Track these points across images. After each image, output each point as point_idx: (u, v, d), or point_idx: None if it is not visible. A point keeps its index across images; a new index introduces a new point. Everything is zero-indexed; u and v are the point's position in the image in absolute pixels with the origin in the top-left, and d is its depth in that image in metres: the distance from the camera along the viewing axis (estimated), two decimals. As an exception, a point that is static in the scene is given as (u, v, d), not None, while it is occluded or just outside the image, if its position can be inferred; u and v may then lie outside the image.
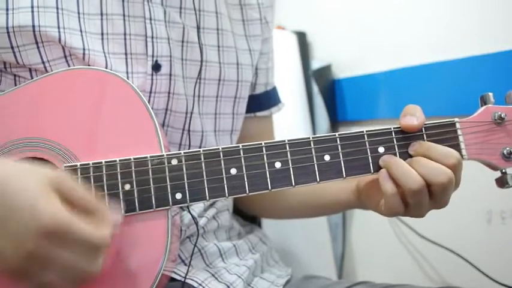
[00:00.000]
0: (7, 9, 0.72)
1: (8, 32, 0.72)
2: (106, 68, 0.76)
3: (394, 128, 0.74)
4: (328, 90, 1.58)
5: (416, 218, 0.76)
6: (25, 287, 0.58)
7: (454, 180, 0.71)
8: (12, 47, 0.73)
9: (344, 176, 0.72)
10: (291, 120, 1.43)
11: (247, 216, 1.10)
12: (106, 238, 0.59)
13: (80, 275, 0.58)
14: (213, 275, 0.82)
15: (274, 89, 1.05)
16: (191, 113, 0.84)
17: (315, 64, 1.59)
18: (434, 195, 0.71)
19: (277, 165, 0.71)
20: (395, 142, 0.74)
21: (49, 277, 0.57)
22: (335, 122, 1.59)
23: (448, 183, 0.70)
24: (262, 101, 1.01)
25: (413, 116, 0.73)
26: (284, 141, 0.72)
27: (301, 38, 1.59)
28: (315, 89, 1.55)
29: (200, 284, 0.79)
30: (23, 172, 0.58)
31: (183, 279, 0.78)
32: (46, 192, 0.56)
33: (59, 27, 0.74)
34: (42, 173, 0.58)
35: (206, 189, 0.69)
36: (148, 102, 0.78)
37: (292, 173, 0.71)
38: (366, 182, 0.82)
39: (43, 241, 0.55)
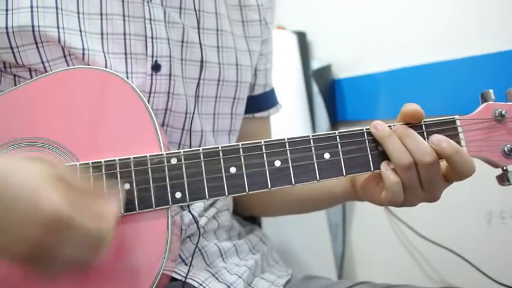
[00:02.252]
0: (7, 10, 0.72)
1: (7, 33, 0.72)
2: (106, 67, 0.76)
3: (393, 126, 0.74)
4: (328, 90, 1.58)
5: (408, 206, 0.76)
6: (42, 270, 0.60)
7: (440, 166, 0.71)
8: (11, 47, 0.73)
9: (344, 174, 0.72)
10: (291, 120, 1.43)
11: (247, 216, 1.10)
12: (110, 230, 0.60)
13: (86, 261, 0.60)
14: (213, 275, 0.82)
15: (272, 91, 1.05)
16: (192, 114, 0.84)
17: (315, 64, 1.59)
18: (422, 180, 0.72)
19: (277, 163, 0.71)
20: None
21: (57, 263, 0.58)
22: (335, 122, 1.59)
23: (432, 165, 0.70)
24: (261, 102, 1.01)
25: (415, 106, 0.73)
26: (284, 139, 0.72)
27: (301, 38, 1.59)
28: (315, 89, 1.55)
29: (201, 284, 0.79)
30: (24, 164, 0.58)
31: (183, 279, 0.78)
32: (48, 184, 0.56)
33: (58, 28, 0.74)
34: (40, 166, 0.58)
35: (206, 188, 0.69)
36: (148, 102, 0.78)
37: (291, 171, 0.71)
38: None
39: (47, 234, 0.55)
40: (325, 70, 1.60)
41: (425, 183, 0.72)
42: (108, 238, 0.60)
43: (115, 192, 0.67)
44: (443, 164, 0.73)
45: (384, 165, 0.73)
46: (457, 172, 0.71)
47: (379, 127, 0.73)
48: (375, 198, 0.78)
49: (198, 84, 0.86)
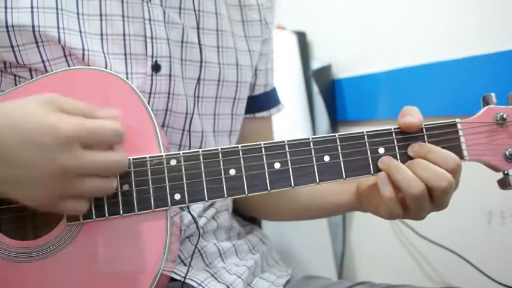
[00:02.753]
0: (6, 8, 0.72)
1: (7, 31, 0.72)
2: (106, 68, 0.76)
3: (394, 129, 0.74)
4: (328, 90, 1.58)
5: (416, 220, 0.76)
6: (68, 205, 0.62)
7: (454, 183, 0.71)
8: (12, 46, 0.73)
9: (344, 177, 0.72)
10: (291, 121, 1.43)
11: (247, 217, 1.10)
12: (120, 128, 0.63)
13: (113, 167, 0.63)
14: (212, 275, 0.82)
15: (273, 90, 1.05)
16: (192, 114, 0.84)
17: (315, 64, 1.59)
18: (435, 199, 0.71)
19: (277, 165, 0.71)
20: (395, 143, 0.73)
21: (85, 183, 0.61)
22: (335, 122, 1.59)
23: (449, 187, 0.69)
24: (262, 102, 1.01)
25: (412, 116, 0.73)
26: (283, 141, 0.72)
27: (301, 38, 1.59)
28: (315, 89, 1.55)
29: (200, 284, 0.79)
30: (23, 102, 0.61)
31: (182, 280, 0.78)
32: (51, 111, 0.59)
33: (58, 28, 0.74)
34: (37, 97, 0.61)
35: (205, 189, 0.69)
36: (148, 102, 0.78)
37: (291, 173, 0.71)
38: (366, 185, 0.82)
39: (68, 155, 0.58)
40: (325, 70, 1.60)
41: (437, 201, 0.72)
42: (120, 134, 0.63)
43: (114, 194, 0.67)
44: None
45: (380, 178, 0.72)
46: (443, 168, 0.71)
47: (385, 160, 0.72)
48: (378, 211, 0.78)
49: (197, 84, 0.86)
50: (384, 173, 0.72)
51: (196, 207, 0.85)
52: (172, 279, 0.78)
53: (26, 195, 0.61)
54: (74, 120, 0.60)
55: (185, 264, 0.82)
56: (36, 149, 0.58)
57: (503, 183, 0.75)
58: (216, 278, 0.82)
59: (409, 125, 0.73)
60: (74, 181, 0.60)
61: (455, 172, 0.70)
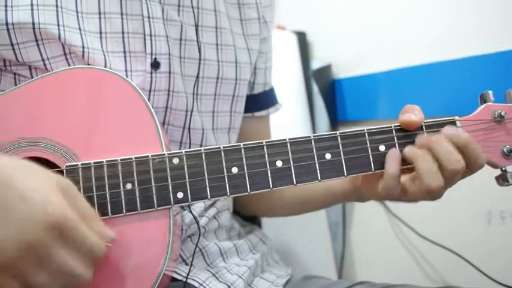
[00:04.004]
0: (6, 6, 0.72)
1: (7, 29, 0.72)
2: (105, 66, 0.76)
3: (395, 126, 0.74)
4: (328, 90, 1.58)
5: (410, 202, 0.77)
6: (10, 285, 0.57)
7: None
8: (12, 44, 0.73)
9: (345, 174, 0.72)
10: (291, 120, 1.43)
11: (247, 217, 1.10)
12: (103, 247, 0.60)
13: (71, 280, 0.58)
14: (214, 275, 0.82)
15: (272, 90, 1.05)
16: (191, 111, 0.84)
17: (315, 64, 1.59)
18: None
19: (279, 163, 0.71)
20: (396, 140, 0.74)
21: (40, 277, 0.56)
22: (335, 122, 1.59)
23: (461, 170, 0.71)
24: (260, 101, 1.01)
25: (413, 114, 0.74)
26: (285, 139, 0.72)
27: (301, 38, 1.59)
28: (315, 89, 1.55)
29: (201, 284, 0.79)
30: (33, 168, 0.59)
31: (184, 279, 0.78)
32: (57, 191, 0.57)
33: (58, 25, 0.74)
34: (49, 173, 0.59)
35: (207, 188, 0.69)
36: (148, 100, 0.78)
37: (293, 171, 0.71)
38: None
39: (48, 235, 0.55)
40: (325, 70, 1.60)
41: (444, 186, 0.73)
42: (101, 255, 0.60)
43: (116, 193, 0.67)
44: None
45: (390, 154, 0.73)
46: (471, 164, 0.72)
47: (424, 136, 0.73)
48: (375, 192, 0.78)
49: (196, 81, 0.86)
50: (395, 149, 0.73)
51: (198, 207, 0.85)
52: (174, 279, 0.78)
53: None
54: (72, 211, 0.57)
55: (187, 264, 0.82)
56: (23, 210, 0.55)
57: (500, 180, 0.75)
58: (217, 278, 0.82)
59: (409, 123, 0.74)
60: (30, 267, 0.56)
61: (466, 146, 0.72)
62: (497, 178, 0.76)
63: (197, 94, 0.87)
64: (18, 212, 0.55)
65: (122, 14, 0.79)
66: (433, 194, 0.72)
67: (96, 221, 0.61)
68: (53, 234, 0.55)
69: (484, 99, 0.77)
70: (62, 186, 0.58)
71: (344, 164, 0.72)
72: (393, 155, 0.73)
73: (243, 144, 0.71)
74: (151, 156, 0.69)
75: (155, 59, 0.80)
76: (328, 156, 0.72)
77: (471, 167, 0.73)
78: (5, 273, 0.56)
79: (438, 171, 0.71)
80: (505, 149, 0.75)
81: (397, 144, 0.74)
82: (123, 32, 0.79)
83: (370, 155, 0.73)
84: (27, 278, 0.56)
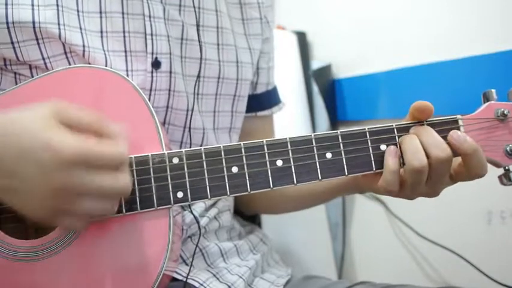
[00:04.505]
0: (6, 4, 0.72)
1: (8, 28, 0.72)
2: (106, 65, 0.76)
3: (396, 125, 0.74)
4: (328, 90, 1.58)
5: (406, 199, 0.76)
6: (67, 222, 0.61)
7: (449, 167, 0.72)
8: (12, 43, 0.73)
9: (346, 173, 0.72)
10: (291, 120, 1.43)
11: (248, 217, 1.10)
12: (125, 152, 0.61)
13: (113, 193, 0.61)
14: (214, 275, 0.82)
15: (274, 89, 1.05)
16: (192, 111, 0.84)
17: (315, 64, 1.59)
18: (432, 175, 0.72)
19: (279, 163, 0.71)
20: (397, 140, 0.74)
21: (85, 204, 0.59)
22: (335, 122, 1.59)
23: (447, 160, 0.70)
24: (263, 101, 1.01)
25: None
26: (285, 139, 0.72)
27: (301, 38, 1.59)
28: (315, 89, 1.55)
29: (202, 284, 0.79)
30: (26, 114, 0.59)
31: (184, 279, 0.78)
32: (56, 127, 0.58)
33: (59, 24, 0.74)
34: (43, 109, 0.59)
35: (207, 187, 0.69)
36: (149, 100, 0.78)
37: (293, 171, 0.71)
38: None
39: (68, 174, 0.57)
40: (325, 70, 1.60)
41: (433, 179, 0.72)
42: (127, 160, 0.62)
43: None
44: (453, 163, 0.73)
45: (389, 150, 0.73)
46: (470, 171, 0.72)
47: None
48: (374, 185, 0.77)
49: (197, 81, 0.86)
50: (393, 146, 0.73)
51: (198, 207, 0.85)
52: (174, 279, 0.78)
53: (23, 206, 0.60)
54: (77, 141, 0.58)
55: (187, 264, 0.81)
56: (34, 165, 0.57)
57: (504, 179, 0.75)
58: (217, 278, 0.82)
59: (425, 106, 0.73)
60: (73, 200, 0.59)
61: (468, 154, 0.71)
62: (500, 177, 0.75)
63: (198, 94, 0.87)
64: (28, 165, 0.57)
65: (123, 13, 0.79)
66: (418, 175, 0.71)
67: (102, 125, 0.62)
68: (73, 171, 0.57)
69: (487, 98, 0.77)
70: (58, 115, 0.59)
71: (345, 163, 0.72)
72: (391, 151, 0.73)
73: (243, 144, 0.71)
74: (151, 155, 0.69)
75: (156, 58, 0.80)
76: (328, 155, 0.72)
77: (470, 174, 0.72)
78: (54, 217, 0.60)
79: (422, 152, 0.70)
80: (508, 148, 0.74)
81: (398, 144, 0.74)
82: (124, 31, 0.79)
83: (371, 154, 0.73)
84: (76, 211, 0.60)
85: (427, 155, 0.71)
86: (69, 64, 0.75)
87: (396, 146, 0.73)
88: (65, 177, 0.57)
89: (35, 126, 0.58)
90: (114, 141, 0.61)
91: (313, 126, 1.52)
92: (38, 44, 0.74)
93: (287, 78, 1.47)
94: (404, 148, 0.72)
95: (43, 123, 0.58)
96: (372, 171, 0.73)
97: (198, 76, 0.86)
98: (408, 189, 0.74)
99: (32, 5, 0.73)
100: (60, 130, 0.58)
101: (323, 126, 1.54)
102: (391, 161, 0.72)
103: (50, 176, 0.57)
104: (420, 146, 0.71)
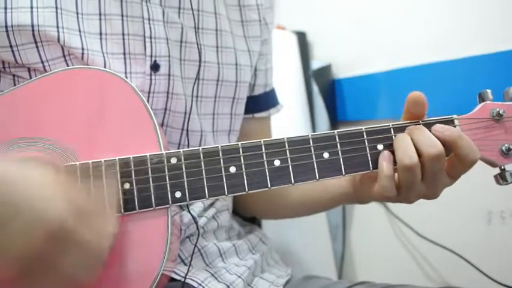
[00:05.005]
0: (5, 8, 0.72)
1: (7, 31, 0.72)
2: (105, 67, 0.76)
3: (393, 125, 0.74)
4: (328, 90, 1.58)
5: (405, 203, 0.77)
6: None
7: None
8: (11, 46, 0.73)
9: (343, 173, 0.72)
10: (291, 120, 1.43)
11: (247, 217, 1.10)
12: (106, 247, 0.60)
13: (83, 277, 0.59)
14: (212, 275, 0.82)
15: (272, 91, 1.05)
16: (189, 113, 0.84)
17: (315, 64, 1.59)
18: (426, 174, 0.72)
19: (277, 163, 0.71)
20: (394, 139, 0.74)
21: (60, 269, 0.57)
22: (335, 122, 1.59)
23: (439, 156, 0.70)
24: (261, 102, 1.01)
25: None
26: (283, 139, 0.72)
27: (301, 38, 1.59)
28: (315, 89, 1.55)
29: (200, 284, 0.79)
30: (26, 169, 0.58)
31: (183, 279, 0.78)
32: (52, 192, 0.56)
33: (57, 27, 0.74)
34: (44, 170, 0.58)
35: (205, 187, 0.69)
36: (147, 102, 0.78)
37: (291, 170, 0.71)
38: None
39: (50, 241, 0.55)
40: (325, 70, 1.59)
41: (428, 178, 0.72)
42: (105, 255, 0.60)
43: (114, 194, 0.67)
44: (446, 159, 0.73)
45: (382, 155, 0.73)
46: (462, 159, 0.71)
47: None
48: (371, 193, 0.78)
49: (195, 83, 0.86)
50: (387, 151, 0.73)
51: (197, 207, 0.85)
52: (172, 279, 0.78)
53: None
54: (71, 213, 0.56)
55: (185, 264, 0.82)
56: (22, 226, 0.54)
57: (499, 179, 0.75)
58: (216, 278, 0.82)
59: (417, 97, 0.74)
60: (40, 273, 0.57)
61: (455, 141, 0.71)
62: (496, 177, 0.76)
63: (197, 96, 0.87)
64: (17, 224, 0.54)
65: (122, 15, 0.79)
66: (410, 173, 0.71)
67: (95, 216, 0.60)
68: (55, 242, 0.55)
69: (482, 98, 0.77)
70: (57, 181, 0.58)
71: (342, 163, 0.72)
72: (385, 156, 0.73)
73: (241, 144, 0.71)
74: (150, 155, 0.69)
75: (155, 61, 0.80)
76: (326, 155, 0.72)
77: (463, 161, 0.72)
78: (22, 278, 0.56)
79: (413, 149, 0.71)
80: (503, 148, 0.74)
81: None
82: (123, 34, 0.79)
83: (369, 154, 0.73)
84: (42, 280, 0.57)
85: (419, 153, 0.71)
86: (68, 67, 0.76)
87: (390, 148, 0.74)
88: (42, 246, 0.54)
89: (38, 193, 0.56)
90: (103, 230, 0.60)
91: (313, 127, 1.52)
92: (37, 47, 0.74)
93: (287, 78, 1.47)
94: (395, 147, 0.72)
95: (45, 188, 0.57)
96: (369, 171, 0.73)
97: (197, 78, 0.86)
98: (404, 191, 0.74)
99: (31, 7, 0.73)
100: (56, 193, 0.56)
101: (323, 126, 1.54)
102: (385, 166, 0.72)
103: (32, 238, 0.54)
104: (411, 143, 0.71)
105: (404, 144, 0.71)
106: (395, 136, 0.73)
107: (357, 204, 0.92)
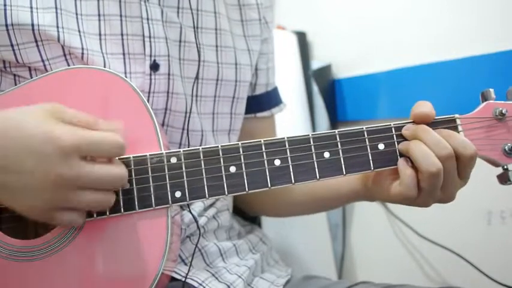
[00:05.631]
0: (5, 5, 0.72)
1: (7, 30, 0.72)
2: (104, 68, 0.76)
3: (394, 125, 0.74)
4: (328, 90, 1.58)
5: (422, 206, 0.76)
6: (65, 217, 0.62)
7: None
8: (12, 45, 0.73)
9: (344, 173, 0.72)
10: (291, 120, 1.43)
11: (247, 217, 1.10)
12: (123, 141, 0.63)
13: (110, 183, 0.63)
14: (213, 275, 0.82)
15: (275, 90, 1.04)
16: (189, 113, 0.84)
17: (315, 64, 1.59)
18: (459, 171, 0.72)
19: (277, 162, 0.71)
20: (395, 139, 0.74)
21: (83, 196, 0.61)
22: (335, 122, 1.59)
23: (451, 156, 0.71)
24: (263, 102, 1.01)
25: (426, 108, 0.74)
26: (283, 138, 0.72)
27: (301, 38, 1.59)
28: (315, 89, 1.55)
29: (201, 284, 0.79)
30: (25, 110, 0.61)
31: (183, 279, 0.78)
32: (53, 120, 0.60)
33: (57, 27, 0.74)
34: (41, 107, 0.61)
35: (205, 187, 0.69)
36: (148, 102, 0.78)
37: (291, 170, 0.71)
38: None
39: (67, 165, 0.58)
40: (325, 70, 1.59)
41: (444, 181, 0.72)
42: (122, 147, 0.63)
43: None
44: None
45: (401, 163, 0.73)
46: (463, 157, 0.71)
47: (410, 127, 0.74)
48: (389, 193, 0.77)
49: (195, 83, 0.86)
50: (401, 159, 0.73)
51: (197, 207, 0.85)
52: (173, 279, 0.78)
53: (21, 203, 0.61)
54: (75, 131, 0.60)
55: (186, 264, 0.82)
56: (35, 157, 0.58)
57: (502, 178, 0.75)
58: (216, 278, 0.82)
59: (422, 115, 0.73)
60: (71, 193, 0.61)
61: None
62: (498, 177, 0.75)
63: (197, 96, 0.87)
64: (31, 157, 0.58)
65: (121, 16, 0.79)
66: (437, 179, 0.71)
67: (97, 121, 0.64)
68: (76, 159, 0.59)
69: (485, 97, 0.77)
70: (55, 114, 0.61)
71: (343, 162, 0.72)
72: (403, 163, 0.73)
73: (241, 144, 0.71)
74: (149, 155, 0.69)
75: (154, 61, 0.80)
76: (326, 154, 0.72)
77: (462, 159, 0.72)
78: (52, 212, 0.61)
79: (434, 155, 0.70)
80: (506, 147, 0.74)
81: (396, 143, 0.74)
82: (122, 34, 0.79)
83: (369, 154, 0.73)
84: (74, 205, 0.61)
85: (457, 155, 0.71)
86: (69, 66, 0.76)
87: (394, 146, 0.74)
88: (63, 169, 0.58)
89: (35, 121, 0.59)
90: (109, 132, 0.63)
91: (313, 127, 1.52)
92: (38, 46, 0.74)
93: (287, 78, 1.47)
94: (415, 156, 0.71)
95: (43, 119, 0.60)
96: (370, 171, 0.73)
97: (197, 78, 0.86)
98: (425, 195, 0.73)
99: (31, 8, 0.73)
100: (58, 123, 0.60)
101: (323, 126, 1.54)
102: (409, 171, 0.72)
103: (49, 167, 0.58)
104: (429, 150, 0.70)
105: (424, 153, 0.71)
106: (404, 144, 0.73)
107: (366, 201, 0.91)
